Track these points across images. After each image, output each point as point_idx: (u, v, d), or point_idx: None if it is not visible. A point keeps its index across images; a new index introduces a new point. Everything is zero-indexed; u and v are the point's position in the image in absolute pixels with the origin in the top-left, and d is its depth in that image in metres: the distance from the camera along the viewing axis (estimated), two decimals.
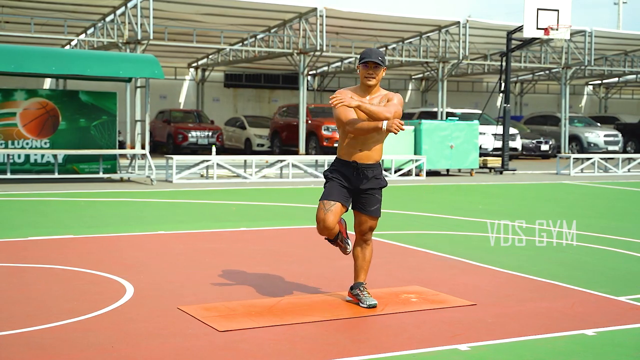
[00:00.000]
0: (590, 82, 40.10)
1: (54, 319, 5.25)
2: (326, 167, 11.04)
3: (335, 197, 5.59)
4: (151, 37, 20.39)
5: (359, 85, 5.70)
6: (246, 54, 26.07)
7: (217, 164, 17.35)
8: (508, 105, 21.68)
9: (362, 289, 5.80)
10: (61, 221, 10.28)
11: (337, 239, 5.78)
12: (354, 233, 5.91)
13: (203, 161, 17.29)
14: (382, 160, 18.63)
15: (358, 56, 27.55)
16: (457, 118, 20.85)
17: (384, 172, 18.22)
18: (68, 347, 4.66)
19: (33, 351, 4.57)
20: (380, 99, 5.63)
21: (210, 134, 26.51)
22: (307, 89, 29.67)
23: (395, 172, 18.58)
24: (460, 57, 25.51)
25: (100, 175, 16.55)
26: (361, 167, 5.64)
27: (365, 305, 5.70)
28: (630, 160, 22.57)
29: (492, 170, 20.97)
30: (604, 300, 6.11)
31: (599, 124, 30.76)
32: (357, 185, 5.65)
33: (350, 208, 5.78)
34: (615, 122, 31.89)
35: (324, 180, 5.78)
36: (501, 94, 22.19)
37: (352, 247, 5.89)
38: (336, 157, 5.76)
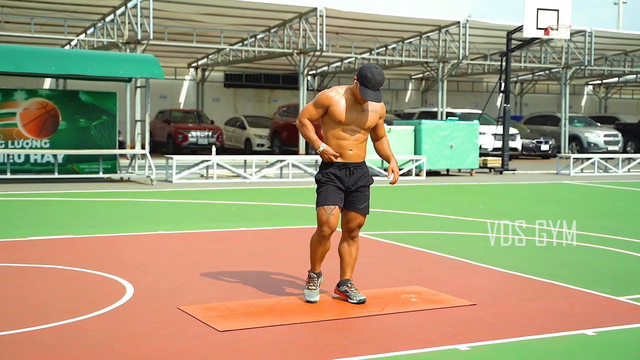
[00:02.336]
0: (590, 82, 40.10)
1: (54, 319, 5.24)
2: None
3: (333, 200, 5.66)
4: (151, 37, 20.39)
5: (351, 93, 5.69)
6: (246, 54, 26.07)
7: (217, 164, 17.35)
8: (508, 105, 21.68)
9: (350, 285, 5.86)
10: (61, 221, 10.28)
11: (320, 276, 5.92)
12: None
13: (203, 161, 17.29)
14: (383, 161, 18.67)
15: (358, 56, 27.67)
16: (457, 118, 20.84)
17: (383, 171, 18.25)
18: (68, 347, 4.66)
19: (33, 351, 4.57)
20: (371, 106, 5.70)
21: (210, 134, 26.51)
22: (307, 89, 29.61)
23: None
24: (460, 57, 25.50)
25: (100, 175, 16.55)
26: (352, 167, 5.69)
27: (355, 301, 5.75)
28: (630, 160, 22.57)
29: (492, 170, 20.97)
30: (604, 300, 6.11)
31: (599, 124, 30.75)
32: (349, 185, 5.71)
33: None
34: (615, 122, 31.88)
35: (317, 185, 5.80)
36: (501, 94, 22.19)
37: (338, 244, 5.94)
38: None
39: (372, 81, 5.54)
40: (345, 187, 5.71)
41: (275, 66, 30.96)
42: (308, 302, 5.76)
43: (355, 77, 5.61)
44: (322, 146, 5.63)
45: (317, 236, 5.77)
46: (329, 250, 5.90)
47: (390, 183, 5.89)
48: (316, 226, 5.81)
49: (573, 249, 8.50)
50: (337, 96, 5.64)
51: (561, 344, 4.89)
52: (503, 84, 21.64)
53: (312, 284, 5.84)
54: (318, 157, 19.39)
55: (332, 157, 5.62)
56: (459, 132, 19.29)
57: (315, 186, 5.89)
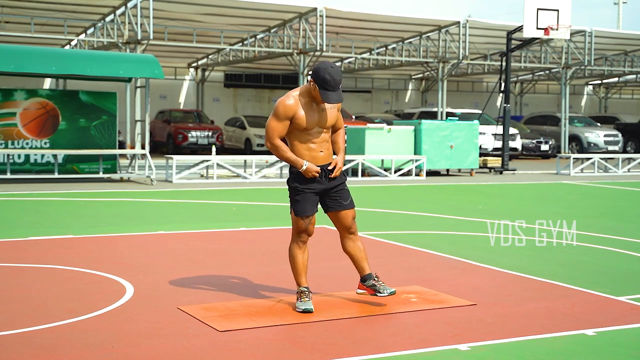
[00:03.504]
0: (590, 82, 40.10)
1: (54, 319, 5.25)
2: None
3: (312, 210, 5.61)
4: (151, 37, 20.39)
5: (307, 90, 5.55)
6: (246, 54, 26.07)
7: (217, 164, 17.35)
8: (508, 105, 21.68)
9: (376, 279, 5.75)
10: (61, 221, 10.28)
11: (308, 290, 5.67)
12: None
13: (203, 161, 17.29)
14: (383, 161, 18.65)
15: (358, 56, 27.66)
16: (457, 118, 20.84)
17: (383, 171, 18.24)
18: (68, 347, 4.66)
19: (33, 351, 4.57)
20: (330, 106, 5.58)
21: (210, 134, 26.51)
22: None
23: (395, 172, 18.57)
24: (460, 57, 25.50)
25: (100, 175, 16.55)
26: (326, 168, 5.64)
27: (386, 294, 5.65)
28: (630, 160, 22.57)
29: (492, 170, 20.96)
30: (604, 300, 6.11)
31: (599, 124, 30.75)
32: (327, 186, 5.65)
33: (324, 212, 5.79)
34: (615, 122, 31.88)
35: (290, 192, 5.65)
36: (501, 94, 22.19)
37: (342, 246, 5.86)
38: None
39: (332, 83, 5.40)
40: (321, 189, 5.64)
41: (275, 66, 30.96)
42: (304, 311, 5.51)
43: (312, 79, 5.46)
44: (305, 164, 5.52)
45: (295, 244, 5.66)
46: (309, 257, 5.76)
47: (329, 176, 5.63)
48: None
49: (573, 249, 8.49)
50: (297, 103, 5.50)
51: (561, 344, 4.89)
52: (503, 84, 21.64)
53: (304, 297, 5.61)
54: None
55: (316, 174, 5.55)
56: (459, 132, 19.29)
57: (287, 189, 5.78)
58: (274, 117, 5.53)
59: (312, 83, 5.48)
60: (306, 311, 5.50)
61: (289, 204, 5.74)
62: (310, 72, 5.49)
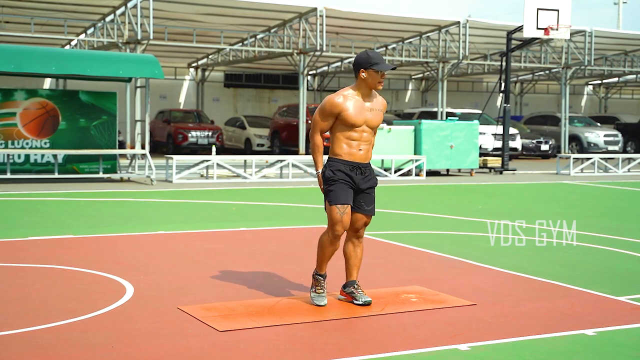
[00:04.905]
0: (590, 82, 40.10)
1: (54, 319, 5.24)
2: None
3: (345, 199, 5.62)
4: (151, 37, 20.39)
5: (358, 87, 5.63)
6: (246, 54, 26.07)
7: (217, 164, 17.35)
8: (508, 105, 21.68)
9: (356, 286, 5.83)
10: (61, 221, 10.28)
11: (325, 277, 5.85)
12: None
13: (203, 161, 17.29)
14: (383, 161, 18.66)
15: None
16: (457, 118, 20.84)
17: (384, 171, 18.25)
18: (68, 347, 4.66)
19: (33, 351, 4.57)
20: (377, 105, 5.70)
21: (210, 134, 26.51)
22: (307, 89, 29.67)
23: (395, 172, 18.58)
24: (460, 57, 25.51)
25: (100, 175, 16.55)
26: (362, 167, 5.67)
27: (361, 302, 5.73)
28: (630, 160, 22.57)
29: (492, 170, 20.97)
30: (604, 300, 6.11)
31: (599, 124, 30.75)
32: (359, 186, 5.68)
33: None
34: (615, 122, 31.89)
35: (326, 182, 5.68)
36: (501, 94, 22.19)
37: (344, 245, 5.91)
38: (333, 159, 5.66)
39: (375, 55, 5.58)
40: (355, 186, 5.67)
41: (275, 66, 30.97)
42: (317, 305, 5.67)
43: (362, 71, 5.55)
44: (318, 173, 5.69)
45: (329, 236, 5.68)
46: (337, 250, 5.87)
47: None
48: (325, 225, 5.79)
49: (573, 249, 8.49)
50: (346, 100, 5.56)
51: (561, 344, 4.89)
52: (503, 84, 21.64)
53: (319, 287, 5.76)
54: None
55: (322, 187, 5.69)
56: (459, 132, 19.29)
57: (317, 184, 5.86)
58: (319, 112, 5.65)
59: (361, 73, 5.57)
60: (318, 305, 5.67)
61: (324, 199, 5.76)
62: (354, 66, 5.61)
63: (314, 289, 5.80)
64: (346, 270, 5.89)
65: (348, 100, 5.57)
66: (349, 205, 5.63)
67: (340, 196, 5.60)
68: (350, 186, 5.65)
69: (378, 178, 17.69)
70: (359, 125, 5.60)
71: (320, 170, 5.66)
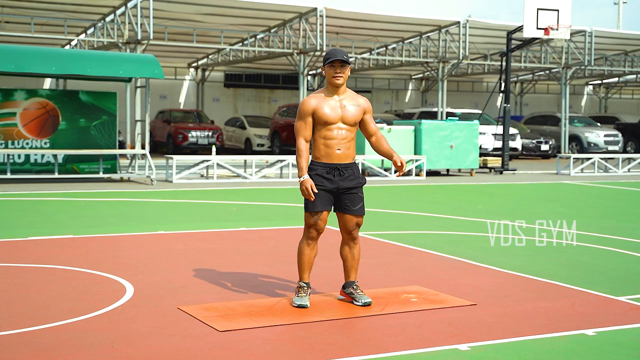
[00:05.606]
0: (590, 82, 40.10)
1: (54, 319, 5.25)
2: None
3: (321, 206, 5.65)
4: (151, 37, 20.38)
5: (326, 87, 5.75)
6: (246, 54, 26.07)
7: (217, 164, 17.35)
8: (508, 105, 21.68)
9: (355, 287, 5.84)
10: (61, 221, 10.28)
11: (308, 286, 5.79)
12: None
13: (203, 161, 17.29)
14: (383, 161, 18.65)
15: (358, 56, 27.69)
16: (457, 118, 20.84)
17: (384, 172, 18.24)
18: (68, 347, 4.66)
19: (33, 351, 4.57)
20: (351, 101, 5.70)
21: (210, 134, 26.51)
22: (307, 89, 29.63)
23: (395, 172, 18.55)
24: (460, 57, 25.50)
25: (100, 175, 16.55)
26: (342, 168, 5.68)
27: (361, 303, 5.73)
28: (630, 160, 22.57)
29: (492, 170, 20.97)
30: (604, 300, 6.11)
31: (599, 124, 30.75)
32: (338, 186, 5.68)
33: (332, 211, 5.82)
34: (615, 122, 31.88)
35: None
36: (501, 94, 22.19)
37: (340, 248, 5.92)
38: (313, 162, 5.72)
39: (331, 51, 5.69)
40: (334, 187, 5.67)
41: (275, 66, 30.96)
42: (299, 306, 5.62)
43: (322, 69, 5.75)
44: (303, 177, 5.56)
45: (305, 240, 5.75)
46: (316, 256, 5.87)
47: (399, 175, 5.79)
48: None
49: (573, 249, 8.49)
50: (316, 99, 5.66)
51: (561, 344, 4.89)
52: (503, 84, 21.64)
53: (302, 292, 5.73)
54: None
55: (307, 192, 5.52)
56: (459, 132, 19.29)
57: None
58: (297, 117, 5.72)
59: (322, 70, 5.74)
60: (301, 306, 5.60)
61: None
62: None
63: (297, 294, 5.73)
64: (344, 272, 5.92)
65: (319, 99, 5.67)
66: (325, 211, 5.66)
67: (317, 204, 5.63)
68: (327, 190, 5.65)
69: (378, 178, 17.84)
70: (332, 122, 5.63)
71: (304, 177, 5.57)
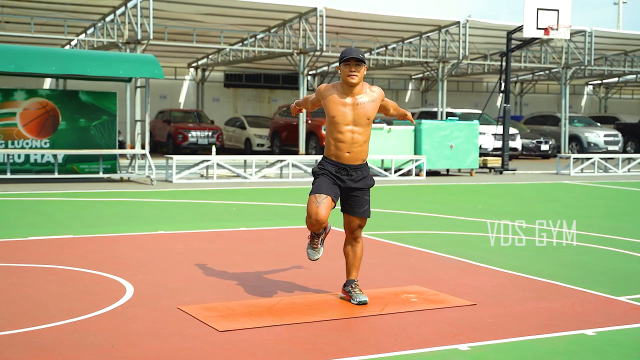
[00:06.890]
0: (590, 82, 40.10)
1: (54, 319, 5.25)
2: None
3: (325, 190, 5.60)
4: (151, 37, 20.39)
5: (341, 85, 5.73)
6: (246, 54, 26.07)
7: (217, 164, 17.35)
8: (508, 105, 21.68)
9: (353, 286, 5.86)
10: (61, 221, 10.28)
11: (323, 232, 5.83)
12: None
13: (203, 161, 17.29)
14: (383, 161, 18.65)
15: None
16: (457, 118, 20.84)
17: (384, 172, 18.24)
18: (68, 347, 4.66)
19: (33, 351, 4.57)
20: (365, 97, 5.69)
21: (210, 134, 26.51)
22: (307, 89, 29.63)
23: (395, 172, 18.58)
24: (460, 57, 25.50)
25: (100, 175, 16.55)
26: (350, 169, 5.68)
27: (356, 302, 5.75)
28: (630, 160, 22.57)
29: (492, 170, 20.97)
30: (604, 300, 6.11)
31: (599, 124, 30.75)
32: (346, 185, 5.70)
33: (340, 211, 5.83)
34: (615, 122, 31.88)
35: (313, 177, 5.79)
36: (501, 94, 22.19)
37: (343, 246, 5.94)
38: (324, 158, 5.77)
39: (345, 50, 5.71)
40: (342, 185, 5.69)
41: (275, 66, 30.96)
42: (311, 259, 5.82)
43: (337, 68, 5.82)
44: (294, 103, 6.17)
45: (307, 223, 5.72)
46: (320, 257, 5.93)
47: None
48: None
49: (573, 249, 8.49)
50: (332, 90, 5.71)
51: (561, 344, 4.89)
52: (503, 84, 21.64)
53: (314, 243, 5.80)
54: (318, 157, 19.37)
55: (293, 108, 6.25)
56: (459, 132, 19.29)
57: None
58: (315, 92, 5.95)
59: (337, 69, 5.79)
60: (312, 260, 5.85)
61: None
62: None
63: (309, 244, 5.87)
64: (346, 269, 5.94)
65: (334, 91, 5.71)
66: (329, 197, 5.57)
67: (321, 187, 5.61)
68: (334, 182, 5.67)
69: (378, 178, 17.84)
70: (342, 123, 5.61)
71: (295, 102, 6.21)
